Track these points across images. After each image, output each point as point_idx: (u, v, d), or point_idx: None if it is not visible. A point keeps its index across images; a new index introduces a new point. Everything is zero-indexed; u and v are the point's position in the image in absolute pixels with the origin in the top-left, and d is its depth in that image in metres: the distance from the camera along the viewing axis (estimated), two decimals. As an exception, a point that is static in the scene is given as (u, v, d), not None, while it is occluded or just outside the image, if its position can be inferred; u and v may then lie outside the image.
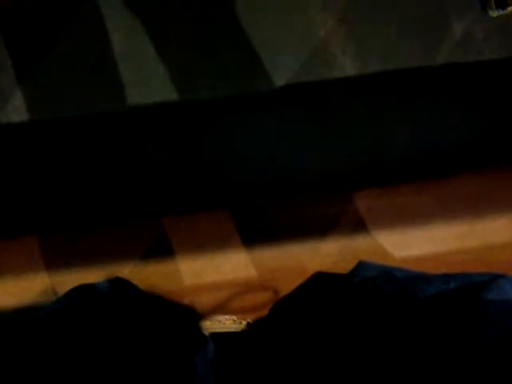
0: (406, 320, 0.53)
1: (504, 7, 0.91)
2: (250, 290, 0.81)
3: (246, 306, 0.81)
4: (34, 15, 0.94)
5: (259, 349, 0.79)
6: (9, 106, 0.94)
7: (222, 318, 0.81)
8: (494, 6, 0.92)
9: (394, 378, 0.50)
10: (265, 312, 0.82)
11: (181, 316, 0.81)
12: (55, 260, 0.83)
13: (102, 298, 0.68)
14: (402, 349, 0.51)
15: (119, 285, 0.77)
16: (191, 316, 0.82)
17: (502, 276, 0.53)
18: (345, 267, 0.78)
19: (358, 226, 0.83)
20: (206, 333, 0.81)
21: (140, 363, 0.56)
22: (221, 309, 0.81)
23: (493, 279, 0.53)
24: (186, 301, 0.80)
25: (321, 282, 0.83)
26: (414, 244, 0.81)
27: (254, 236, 0.83)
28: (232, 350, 0.81)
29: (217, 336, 0.81)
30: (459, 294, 0.52)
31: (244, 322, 0.81)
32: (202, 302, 0.81)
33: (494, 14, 0.92)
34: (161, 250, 0.83)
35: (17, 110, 0.94)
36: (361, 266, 0.75)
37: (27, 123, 0.94)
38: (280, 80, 0.96)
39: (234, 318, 0.81)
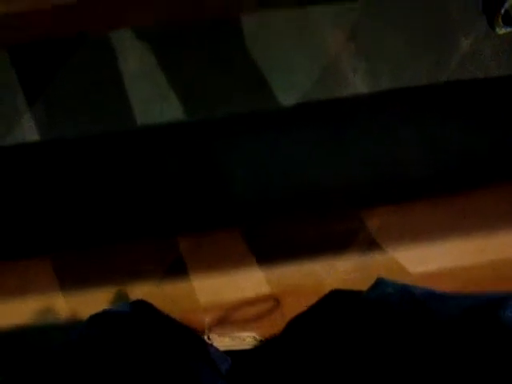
0: (423, 341, 0.53)
1: (511, 24, 0.93)
2: (268, 307, 0.81)
3: (264, 323, 0.82)
4: (45, 39, 0.95)
5: (273, 367, 0.80)
6: (23, 127, 0.95)
7: (241, 335, 0.81)
8: (501, 23, 0.93)
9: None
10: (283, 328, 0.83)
11: (199, 342, 0.81)
12: (73, 280, 0.83)
13: (121, 328, 0.67)
14: (419, 370, 0.51)
15: (139, 309, 0.76)
16: (207, 343, 0.82)
17: None
18: (362, 284, 0.79)
19: (374, 242, 0.84)
20: (225, 348, 0.82)
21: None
22: (240, 326, 0.82)
23: (509, 297, 0.54)
24: (207, 319, 0.80)
25: (337, 299, 0.83)
26: (430, 260, 0.82)
27: (270, 254, 0.84)
28: (250, 368, 0.82)
29: (237, 353, 0.82)
30: (477, 313, 0.52)
31: (264, 339, 0.81)
32: (222, 320, 0.81)
33: (502, 31, 0.94)
34: (178, 268, 0.84)
35: (32, 130, 0.95)
36: (379, 283, 0.75)
37: (42, 143, 0.95)
38: (292, 98, 0.98)
39: (255, 335, 0.81)
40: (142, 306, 0.78)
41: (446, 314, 0.55)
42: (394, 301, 0.66)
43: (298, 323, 0.82)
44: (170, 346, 0.67)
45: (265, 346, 0.83)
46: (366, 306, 0.69)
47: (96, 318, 0.68)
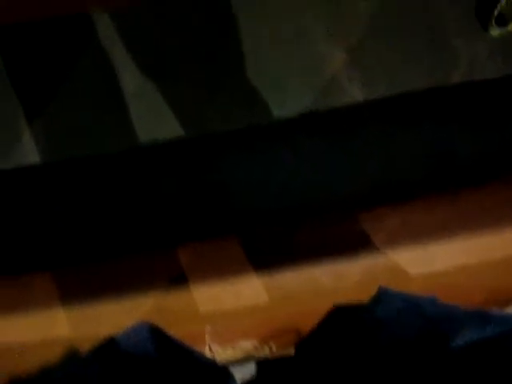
0: (435, 370, 0.51)
1: (504, 24, 0.93)
2: (270, 314, 0.80)
3: (267, 330, 0.80)
4: (43, 59, 0.97)
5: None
6: (23, 149, 0.96)
7: (244, 344, 0.79)
8: (494, 24, 0.93)
9: None
10: (287, 336, 0.81)
11: (204, 364, 0.79)
12: (75, 295, 0.83)
13: (129, 366, 0.64)
14: None
15: (145, 337, 0.73)
16: (213, 362, 0.80)
17: None
18: (366, 288, 0.77)
19: (378, 245, 0.83)
20: (229, 361, 0.80)
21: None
22: (242, 335, 0.80)
23: None
24: (208, 328, 0.79)
25: (341, 316, 0.81)
26: (435, 259, 0.81)
27: (272, 260, 0.83)
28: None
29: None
30: (495, 346, 0.50)
31: (267, 348, 0.80)
32: (223, 328, 0.80)
33: (495, 32, 0.94)
34: (179, 279, 0.83)
35: (31, 152, 0.96)
36: (383, 293, 0.72)
37: (42, 165, 0.96)
38: (288, 111, 0.98)
39: (256, 343, 0.80)
40: (148, 330, 0.76)
41: (462, 341, 0.52)
42: (404, 320, 0.63)
43: (306, 347, 0.80)
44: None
45: (276, 370, 0.80)
46: (374, 327, 0.66)
47: (100, 351, 0.65)
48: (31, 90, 0.96)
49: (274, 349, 0.80)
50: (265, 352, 0.79)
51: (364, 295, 0.77)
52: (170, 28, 0.97)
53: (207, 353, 0.80)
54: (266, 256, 0.83)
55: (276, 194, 0.95)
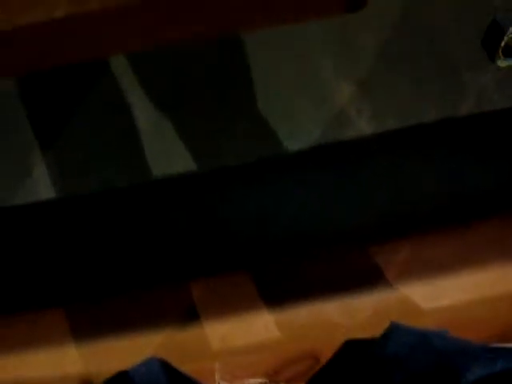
0: None
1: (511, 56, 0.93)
2: (280, 350, 0.80)
3: (277, 367, 0.80)
4: (57, 95, 0.99)
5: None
6: (34, 184, 0.97)
7: (253, 381, 0.79)
8: (501, 55, 0.94)
9: None
10: (298, 372, 0.81)
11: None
12: (86, 331, 0.83)
13: None
14: None
15: (155, 372, 0.73)
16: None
17: None
18: (379, 323, 0.77)
19: (389, 278, 0.82)
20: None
21: None
22: (252, 372, 0.80)
23: None
24: (217, 365, 0.79)
25: (353, 352, 0.81)
26: (445, 294, 0.80)
27: (284, 295, 0.83)
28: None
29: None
30: (505, 381, 0.50)
31: (275, 386, 0.79)
32: (233, 365, 0.80)
33: (503, 63, 0.95)
34: (190, 315, 0.83)
35: (43, 187, 0.97)
36: (394, 329, 0.72)
37: (53, 200, 0.97)
38: (298, 144, 0.99)
39: (266, 380, 0.79)
40: (159, 365, 0.76)
41: (473, 377, 0.52)
42: (416, 356, 0.62)
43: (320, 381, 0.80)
44: None
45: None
46: (386, 363, 0.66)
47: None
48: (45, 126, 0.98)
49: (285, 386, 0.79)
50: (275, 389, 0.79)
51: (376, 330, 0.76)
52: (182, 65, 0.99)
53: (217, 390, 0.80)
54: (278, 291, 0.83)
55: (286, 226, 0.95)
